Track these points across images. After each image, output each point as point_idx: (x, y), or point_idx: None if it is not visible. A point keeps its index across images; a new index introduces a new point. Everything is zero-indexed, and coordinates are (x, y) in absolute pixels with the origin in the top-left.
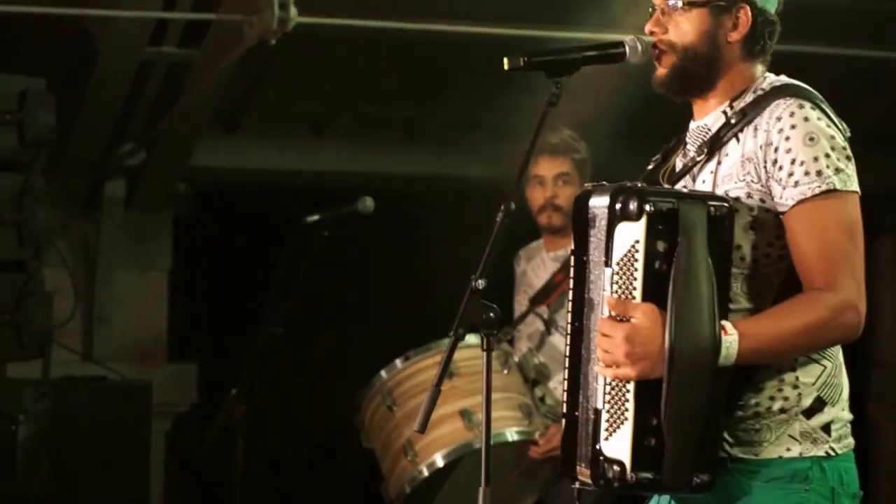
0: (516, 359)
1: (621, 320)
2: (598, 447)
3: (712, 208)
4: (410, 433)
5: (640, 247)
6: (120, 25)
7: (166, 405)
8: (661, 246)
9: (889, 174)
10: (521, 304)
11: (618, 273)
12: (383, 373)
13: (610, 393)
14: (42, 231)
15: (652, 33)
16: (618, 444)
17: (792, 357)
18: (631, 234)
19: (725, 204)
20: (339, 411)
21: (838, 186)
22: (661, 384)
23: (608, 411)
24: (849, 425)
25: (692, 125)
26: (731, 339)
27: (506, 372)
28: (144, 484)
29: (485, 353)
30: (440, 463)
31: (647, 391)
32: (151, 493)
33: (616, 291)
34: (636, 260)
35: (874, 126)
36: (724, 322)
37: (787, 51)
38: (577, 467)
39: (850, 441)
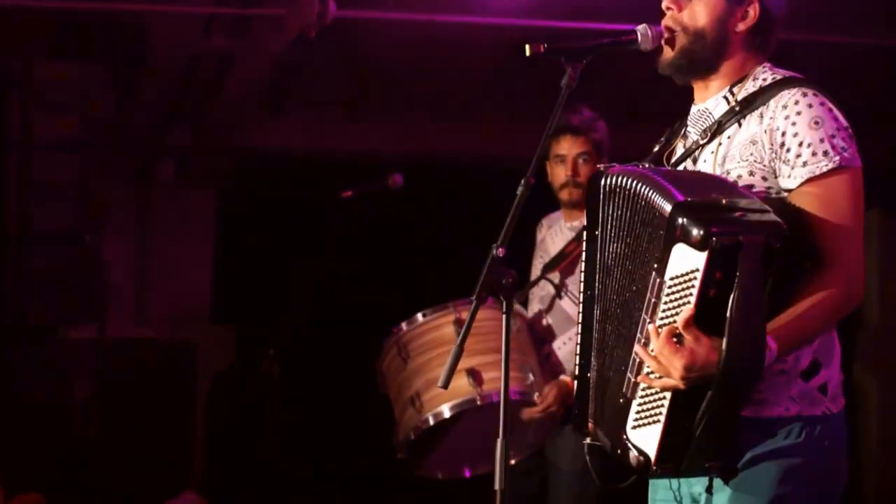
0: (528, 320)
1: (676, 339)
2: (624, 432)
3: (772, 239)
4: (419, 385)
5: (699, 275)
6: (173, 20)
7: (209, 364)
8: (718, 274)
9: (876, 151)
10: (536, 268)
11: (671, 288)
12: (403, 325)
13: (644, 389)
14: (99, 206)
15: (668, 9)
16: (646, 438)
17: (819, 338)
18: (690, 261)
19: (780, 233)
20: (367, 368)
21: (843, 164)
22: (699, 393)
23: (640, 404)
24: (841, 385)
25: (693, 108)
26: (771, 349)
27: (517, 331)
28: (189, 436)
29: (504, 316)
30: (446, 414)
31: (686, 399)
32: (195, 445)
33: (666, 303)
34: (692, 286)
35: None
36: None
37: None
38: (588, 424)
39: (842, 400)
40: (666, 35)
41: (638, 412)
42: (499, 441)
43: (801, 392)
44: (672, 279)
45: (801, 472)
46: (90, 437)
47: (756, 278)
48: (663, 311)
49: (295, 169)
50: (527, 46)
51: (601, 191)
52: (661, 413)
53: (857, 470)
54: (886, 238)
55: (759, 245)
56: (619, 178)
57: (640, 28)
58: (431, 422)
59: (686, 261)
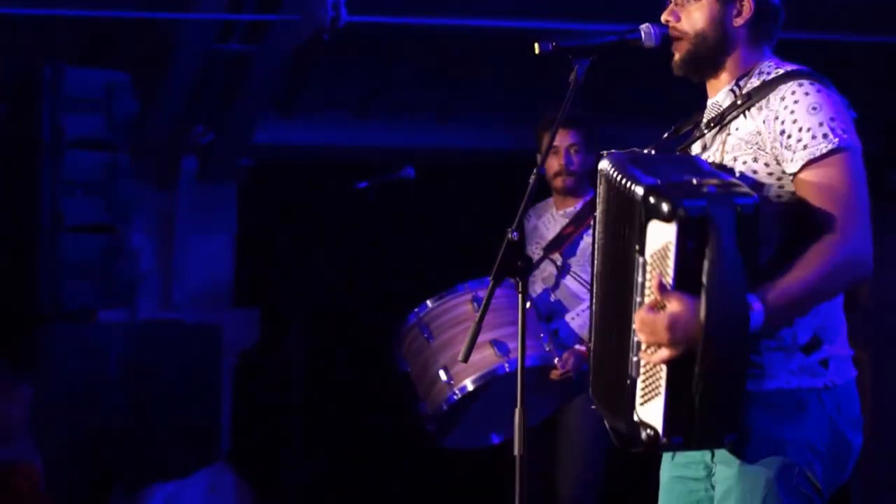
0: (534, 297)
1: (658, 308)
2: (634, 411)
3: (739, 207)
4: (447, 359)
5: (672, 247)
6: (191, 26)
7: (233, 344)
8: (692, 244)
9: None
10: (533, 253)
11: (651, 265)
12: (418, 310)
13: (645, 365)
14: (127, 199)
15: (667, 22)
16: (652, 412)
17: (819, 304)
18: (663, 235)
19: (751, 201)
20: (382, 346)
21: (842, 145)
22: (693, 359)
23: (643, 381)
24: (849, 359)
25: (708, 102)
26: (757, 310)
27: (526, 307)
28: (215, 414)
29: (520, 295)
30: (471, 387)
31: (680, 366)
32: (221, 423)
33: (649, 280)
34: (668, 257)
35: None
36: (751, 298)
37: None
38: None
39: (852, 373)
40: (673, 42)
41: (643, 389)
42: (517, 410)
43: (802, 366)
44: (651, 256)
45: (806, 442)
46: (123, 414)
47: (729, 245)
48: (648, 288)
49: (311, 164)
50: (536, 45)
51: (597, 175)
52: (661, 383)
53: None
54: (877, 225)
55: (729, 213)
56: (606, 165)
57: (644, 26)
58: (459, 395)
59: (661, 236)
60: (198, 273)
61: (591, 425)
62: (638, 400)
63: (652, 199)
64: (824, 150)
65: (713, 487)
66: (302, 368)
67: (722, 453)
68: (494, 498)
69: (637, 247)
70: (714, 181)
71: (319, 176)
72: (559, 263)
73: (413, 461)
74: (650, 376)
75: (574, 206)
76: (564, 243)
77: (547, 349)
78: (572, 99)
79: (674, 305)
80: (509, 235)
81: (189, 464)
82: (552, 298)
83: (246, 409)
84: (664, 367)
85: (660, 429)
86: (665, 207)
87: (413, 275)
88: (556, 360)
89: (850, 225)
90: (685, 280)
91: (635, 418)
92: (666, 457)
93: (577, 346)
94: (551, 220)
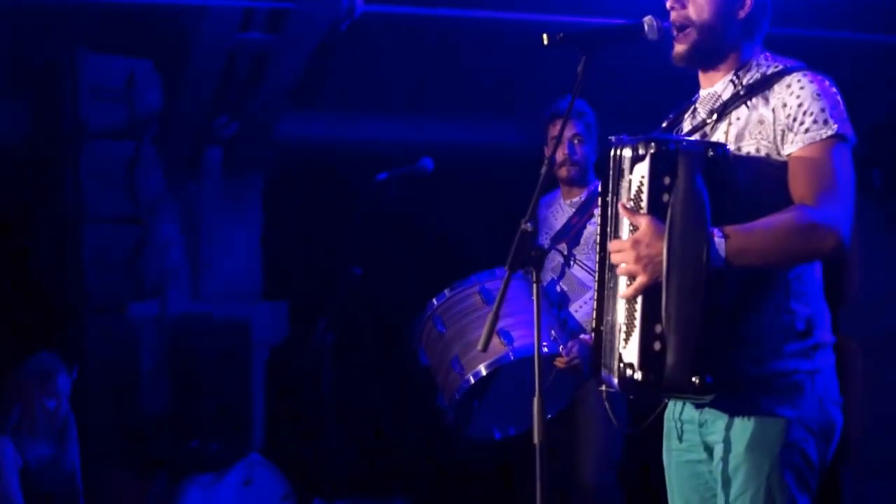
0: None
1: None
2: (619, 354)
3: (710, 150)
4: (458, 349)
5: (646, 180)
6: (212, 14)
7: (263, 337)
8: (665, 180)
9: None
10: (543, 243)
11: (631, 203)
12: (434, 300)
13: (626, 308)
14: (153, 191)
15: (672, 8)
16: (630, 350)
17: (783, 261)
18: (639, 172)
19: (720, 150)
20: (407, 335)
21: (840, 132)
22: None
23: (624, 323)
24: (832, 346)
25: (703, 92)
26: (719, 241)
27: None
28: (248, 406)
29: (535, 284)
30: (483, 372)
31: (651, 301)
32: (254, 415)
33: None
34: (643, 192)
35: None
36: (713, 229)
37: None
38: (602, 371)
39: (833, 358)
40: (675, 31)
41: (623, 330)
42: (535, 399)
43: (798, 350)
44: (631, 198)
45: (805, 422)
46: (158, 407)
47: (695, 181)
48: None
49: (333, 156)
50: (544, 36)
51: (611, 160)
52: (636, 320)
53: (845, 429)
54: (867, 222)
55: (697, 153)
56: (611, 144)
57: (647, 19)
58: (468, 383)
59: (637, 173)
60: (226, 265)
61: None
62: (620, 343)
63: (633, 145)
64: (824, 136)
65: (716, 467)
66: (332, 360)
67: (727, 434)
68: (518, 485)
69: (626, 195)
70: (694, 139)
71: (340, 167)
72: (565, 253)
73: (442, 451)
74: (630, 315)
75: (580, 197)
76: (570, 233)
77: (552, 338)
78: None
79: (641, 225)
80: (523, 226)
81: (223, 456)
82: (559, 288)
83: (278, 402)
84: (639, 303)
85: (636, 364)
86: (641, 148)
87: (440, 266)
88: (560, 348)
89: (826, 196)
90: (658, 212)
91: (618, 360)
92: (666, 444)
93: (582, 336)
94: (559, 210)
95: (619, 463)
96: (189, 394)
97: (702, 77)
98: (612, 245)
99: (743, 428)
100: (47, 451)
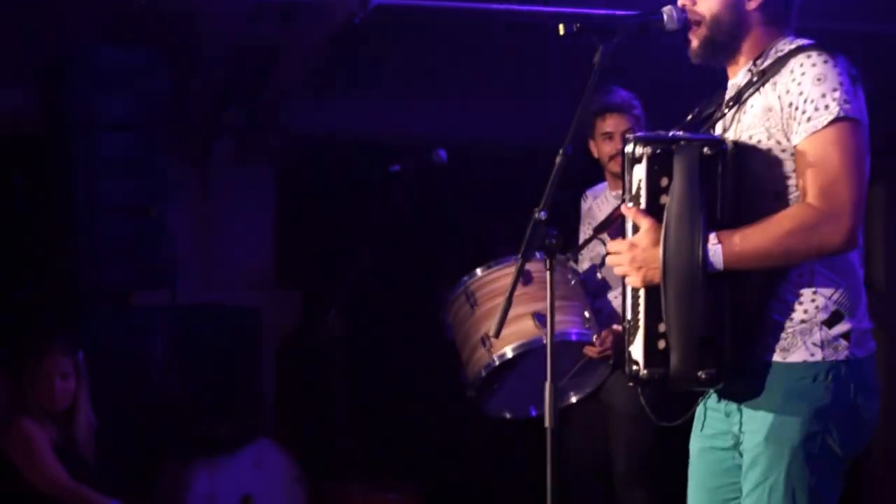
0: (581, 275)
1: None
2: (629, 351)
3: (705, 148)
4: (487, 328)
5: (643, 183)
6: (221, 6)
7: (275, 327)
8: (663, 182)
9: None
10: (585, 233)
11: (631, 203)
12: (467, 277)
13: (632, 306)
14: (163, 180)
15: (683, 6)
16: (636, 347)
17: (783, 262)
18: (637, 174)
19: (718, 145)
20: (422, 325)
21: (843, 114)
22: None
23: (630, 320)
24: (869, 332)
25: (729, 83)
26: (714, 247)
27: (572, 283)
28: (257, 392)
29: (548, 272)
30: (510, 354)
31: (653, 301)
32: (265, 402)
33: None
34: (641, 195)
35: None
36: (710, 234)
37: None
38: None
39: (871, 345)
40: (691, 27)
41: (631, 328)
42: (546, 384)
43: (824, 339)
44: (631, 199)
45: (828, 412)
46: (168, 395)
47: (691, 182)
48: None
49: (345, 147)
50: (561, 26)
51: (623, 158)
52: (640, 319)
53: None
54: (890, 209)
55: (692, 153)
56: (628, 143)
57: (666, 9)
58: (497, 362)
59: (636, 176)
60: (238, 254)
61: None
62: (629, 339)
63: (630, 146)
64: (824, 123)
65: (741, 455)
66: (344, 348)
67: (749, 424)
68: (537, 471)
69: (623, 195)
70: (691, 136)
71: (352, 157)
72: (606, 242)
73: (454, 438)
74: (635, 313)
75: None
76: (612, 224)
77: (587, 326)
78: (597, 81)
79: (642, 225)
80: (536, 215)
81: (233, 439)
82: (599, 276)
83: (289, 389)
84: (642, 302)
85: (641, 361)
86: (638, 150)
87: (451, 255)
88: (594, 338)
89: (828, 191)
90: (655, 212)
91: (628, 357)
92: (695, 430)
93: (615, 326)
94: (605, 201)
95: (655, 456)
96: (199, 382)
97: (728, 71)
98: (610, 246)
99: (763, 418)
100: (60, 434)
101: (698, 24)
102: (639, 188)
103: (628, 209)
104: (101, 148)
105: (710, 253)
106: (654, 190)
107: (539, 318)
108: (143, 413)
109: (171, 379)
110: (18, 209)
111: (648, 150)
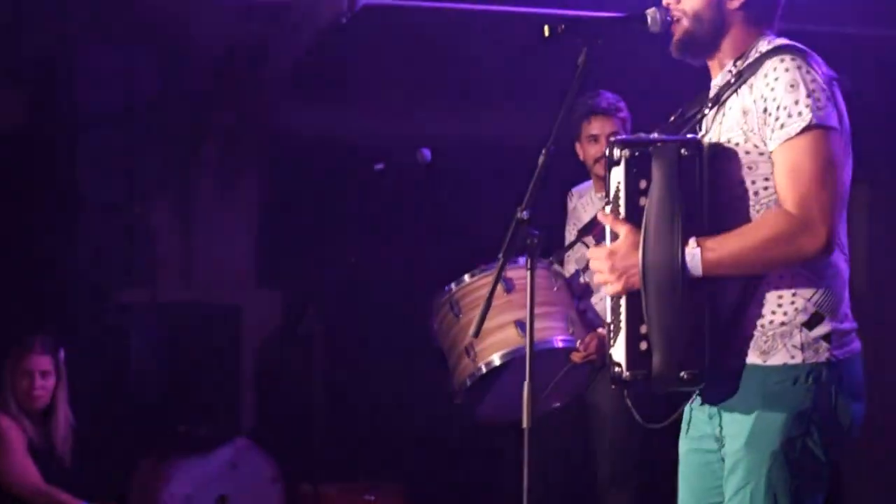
0: (565, 279)
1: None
2: (610, 352)
3: (682, 150)
4: (470, 338)
5: (622, 186)
6: (211, 5)
7: (255, 326)
8: (641, 184)
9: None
10: (570, 234)
11: (611, 208)
12: (453, 285)
13: (612, 308)
14: (147, 178)
15: (668, 5)
16: (618, 349)
17: (761, 269)
18: (616, 177)
19: (695, 146)
20: (403, 325)
21: (815, 121)
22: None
23: (611, 322)
24: (852, 333)
25: (711, 83)
26: (693, 252)
27: (555, 289)
28: (236, 394)
29: (529, 272)
30: (497, 362)
31: (634, 303)
32: (242, 402)
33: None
34: (620, 197)
35: None
36: (690, 239)
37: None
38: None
39: (854, 346)
40: (674, 23)
41: (612, 329)
42: (525, 384)
43: (804, 341)
44: (610, 201)
45: (809, 415)
46: (147, 393)
47: (670, 183)
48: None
49: (331, 148)
50: (545, 28)
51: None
52: (621, 321)
53: None
54: (873, 211)
55: (669, 153)
56: (608, 146)
57: (650, 11)
58: (484, 369)
59: (614, 178)
60: (219, 254)
61: (623, 406)
62: (611, 341)
63: (609, 149)
64: (797, 130)
65: (721, 460)
66: (323, 348)
67: (730, 427)
68: (516, 471)
69: (605, 198)
70: (668, 138)
71: (337, 158)
72: (590, 245)
73: (435, 437)
74: (616, 315)
75: None
76: (597, 226)
77: (571, 332)
78: (581, 82)
79: (620, 232)
80: (519, 214)
81: (210, 438)
82: (582, 280)
83: (269, 389)
84: (623, 304)
85: (623, 363)
86: (616, 152)
87: (435, 256)
88: (578, 343)
89: (804, 201)
90: (636, 217)
91: (609, 359)
92: (682, 432)
93: (600, 330)
94: (590, 202)
95: (640, 458)
96: (179, 381)
97: (710, 69)
98: (589, 253)
99: (743, 422)
100: (37, 432)
101: (679, 20)
102: (618, 191)
103: (605, 216)
104: (86, 145)
105: (689, 258)
106: (633, 192)
107: (521, 326)
108: (121, 411)
109: (150, 377)
110: (1, 205)
111: (627, 152)
